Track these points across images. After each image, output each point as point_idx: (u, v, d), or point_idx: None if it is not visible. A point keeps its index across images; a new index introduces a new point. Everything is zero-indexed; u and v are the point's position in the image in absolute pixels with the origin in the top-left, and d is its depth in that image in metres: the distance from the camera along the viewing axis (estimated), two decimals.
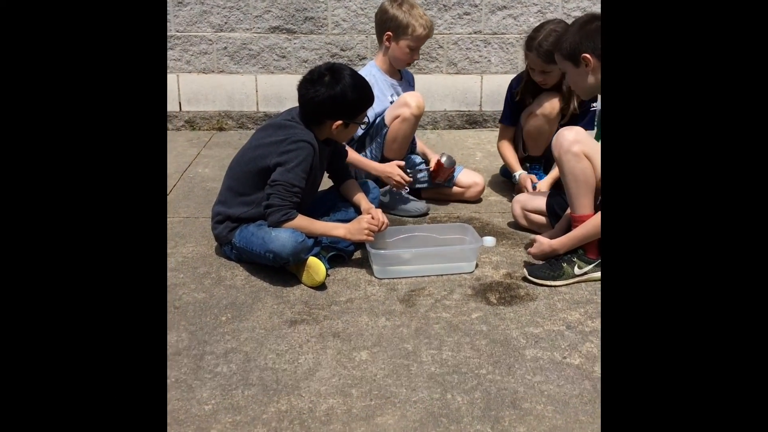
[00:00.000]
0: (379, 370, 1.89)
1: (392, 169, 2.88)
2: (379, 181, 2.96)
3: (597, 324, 2.12)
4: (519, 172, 3.11)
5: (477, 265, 2.51)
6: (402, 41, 2.93)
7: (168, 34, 4.27)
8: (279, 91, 4.38)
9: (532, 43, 2.87)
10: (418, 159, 3.13)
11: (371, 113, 2.75)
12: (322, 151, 2.46)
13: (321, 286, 2.34)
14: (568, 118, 3.03)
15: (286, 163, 2.33)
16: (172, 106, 4.38)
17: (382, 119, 2.92)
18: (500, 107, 3.32)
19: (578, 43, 2.26)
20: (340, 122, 2.41)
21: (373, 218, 2.43)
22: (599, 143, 2.45)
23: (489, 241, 2.70)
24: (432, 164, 3.03)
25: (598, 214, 2.30)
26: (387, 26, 2.95)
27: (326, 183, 2.71)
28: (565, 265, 2.36)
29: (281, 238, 2.29)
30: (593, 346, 2.00)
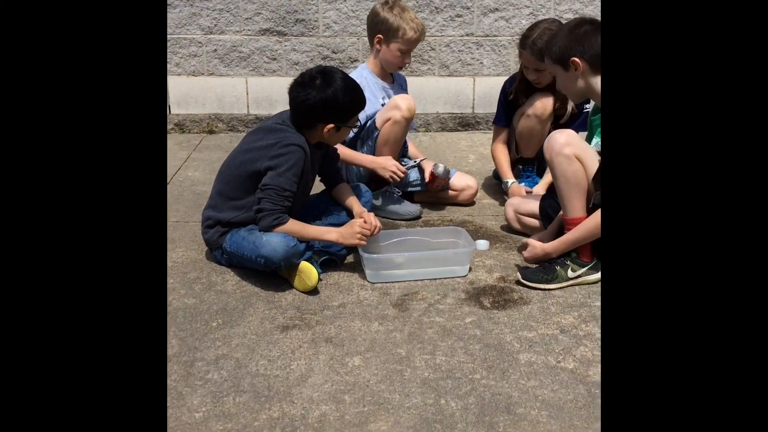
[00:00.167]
0: (372, 376, 1.87)
1: (386, 161, 2.86)
2: (372, 181, 2.95)
3: (591, 328, 2.11)
4: (510, 181, 3.10)
5: (470, 269, 2.49)
6: (393, 44, 2.92)
7: None
8: (270, 94, 4.36)
9: (526, 41, 2.87)
10: (410, 162, 3.11)
11: (362, 116, 2.73)
12: (313, 155, 2.44)
13: (313, 291, 2.32)
14: (567, 118, 3.02)
15: (277, 167, 2.31)
16: None
17: (373, 122, 2.91)
18: (493, 109, 3.32)
19: (567, 47, 2.26)
20: (331, 126, 2.39)
21: (365, 222, 2.41)
22: (591, 145, 2.45)
23: (482, 244, 2.69)
24: (426, 175, 3.02)
25: (591, 217, 2.30)
26: (378, 29, 2.94)
27: (318, 187, 2.69)
28: (558, 268, 2.35)
29: (272, 242, 2.27)
30: (587, 350, 1.99)
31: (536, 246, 2.40)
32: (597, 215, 2.27)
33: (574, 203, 2.33)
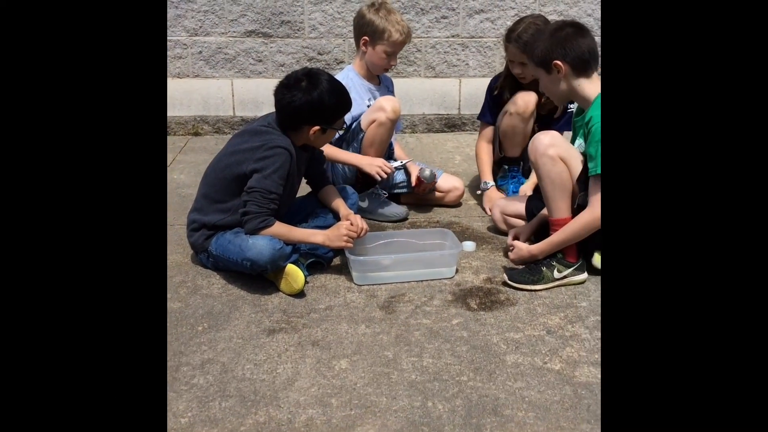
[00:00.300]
0: (359, 379, 1.86)
1: (373, 158, 2.86)
2: (358, 183, 2.94)
3: (577, 328, 2.12)
4: (490, 183, 3.11)
5: (457, 271, 2.49)
6: (378, 46, 2.92)
7: None
8: (256, 96, 4.34)
9: (511, 34, 2.88)
10: (396, 163, 3.11)
11: (348, 117, 2.73)
12: (299, 157, 2.43)
13: (300, 294, 2.31)
14: (561, 112, 3.02)
15: (262, 169, 2.30)
16: None
17: (359, 124, 2.90)
18: (479, 110, 3.32)
19: (549, 50, 2.27)
20: (317, 128, 2.38)
21: (352, 224, 2.41)
22: (574, 146, 2.47)
23: (469, 245, 2.69)
24: (413, 179, 3.02)
25: (576, 218, 2.30)
26: (364, 31, 2.93)
27: (304, 189, 2.68)
28: (544, 269, 2.36)
29: (259, 245, 2.25)
30: (573, 351, 1.99)
31: (522, 248, 2.41)
32: (581, 216, 2.28)
33: (559, 204, 2.34)
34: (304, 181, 2.65)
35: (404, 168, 3.07)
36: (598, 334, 2.08)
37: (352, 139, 2.93)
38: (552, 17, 4.22)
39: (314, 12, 4.22)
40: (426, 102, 4.45)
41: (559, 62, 2.26)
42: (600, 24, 4.37)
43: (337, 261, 2.58)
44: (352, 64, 3.10)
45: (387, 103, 2.84)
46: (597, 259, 2.41)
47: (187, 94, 4.31)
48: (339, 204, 2.57)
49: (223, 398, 1.78)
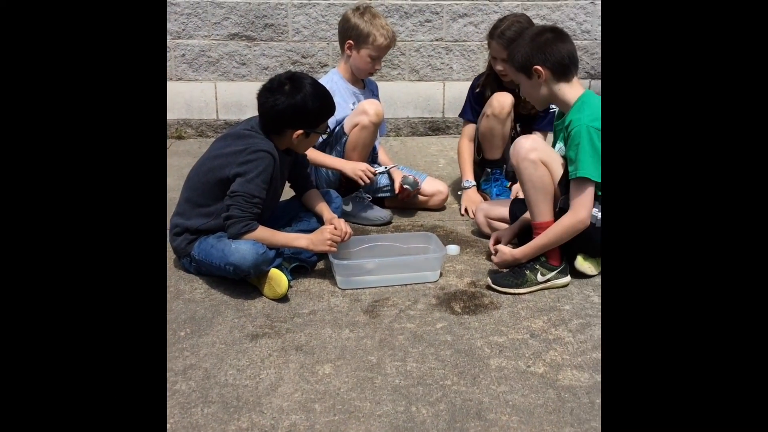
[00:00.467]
0: (342, 384, 1.85)
1: (356, 164, 2.86)
2: (342, 187, 2.94)
3: (560, 332, 2.12)
4: (471, 183, 3.12)
5: (441, 274, 2.49)
6: (363, 50, 2.92)
7: None
8: (239, 99, 4.32)
9: (495, 31, 2.91)
10: (380, 169, 3.11)
11: (332, 121, 2.72)
12: (282, 161, 2.42)
13: (283, 298, 2.30)
14: (527, 105, 3.03)
15: (245, 173, 2.29)
16: None
17: (342, 127, 2.90)
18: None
19: (530, 56, 2.29)
20: (300, 132, 2.37)
21: (335, 228, 2.40)
22: (555, 150, 2.48)
23: (453, 249, 2.69)
24: (396, 186, 3.02)
25: (558, 222, 2.32)
26: (348, 35, 2.93)
27: (288, 193, 2.67)
28: (528, 272, 2.36)
29: (242, 250, 2.24)
30: (557, 354, 2.00)
31: (505, 252, 2.42)
32: (563, 220, 2.30)
33: (542, 208, 2.35)
34: (287, 184, 2.64)
35: (387, 173, 3.07)
36: (582, 337, 2.09)
37: (335, 142, 2.92)
38: (535, 21, 4.24)
39: (298, 15, 4.22)
40: (410, 105, 4.45)
41: (539, 67, 2.27)
42: (582, 28, 4.40)
43: (320, 265, 2.57)
44: (336, 67, 3.09)
45: (370, 106, 2.84)
46: (580, 263, 2.42)
47: (170, 97, 4.29)
48: (323, 208, 2.57)
49: (206, 404, 1.77)
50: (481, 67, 4.32)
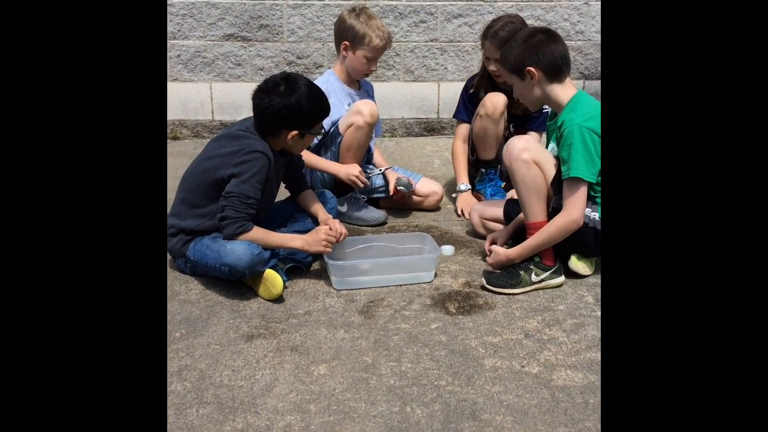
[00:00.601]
0: (337, 385, 1.86)
1: (350, 168, 2.86)
2: (337, 187, 2.94)
3: (554, 332, 2.13)
4: (465, 186, 3.12)
5: (436, 275, 2.50)
6: (359, 51, 2.92)
7: None
8: (235, 100, 4.32)
9: (488, 31, 2.92)
10: (375, 171, 3.12)
11: (327, 122, 2.73)
12: (277, 162, 2.43)
13: (278, 299, 2.30)
14: (521, 108, 3.04)
15: (240, 174, 2.29)
16: None
17: (337, 128, 2.90)
18: None
19: (522, 57, 2.30)
20: (295, 132, 2.38)
21: (330, 229, 2.40)
22: (548, 150, 2.49)
23: (448, 249, 2.70)
24: (391, 188, 3.03)
25: (551, 222, 2.32)
26: (344, 36, 2.94)
27: (283, 194, 2.68)
28: (522, 272, 2.37)
29: (237, 250, 2.24)
30: (551, 354, 2.01)
31: (500, 252, 2.43)
32: (557, 220, 2.31)
33: (535, 208, 2.36)
34: (282, 185, 2.64)
35: (383, 174, 3.08)
36: (576, 337, 2.10)
37: (330, 142, 2.93)
38: (529, 22, 4.25)
39: (293, 16, 4.22)
40: (405, 106, 4.46)
41: (532, 68, 2.28)
42: (576, 29, 4.41)
43: (316, 266, 2.58)
44: (332, 68, 3.10)
45: (365, 106, 2.85)
46: (574, 263, 2.43)
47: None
48: (318, 208, 2.57)
49: (201, 405, 1.77)
50: (476, 67, 4.33)
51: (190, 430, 1.67)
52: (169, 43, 4.20)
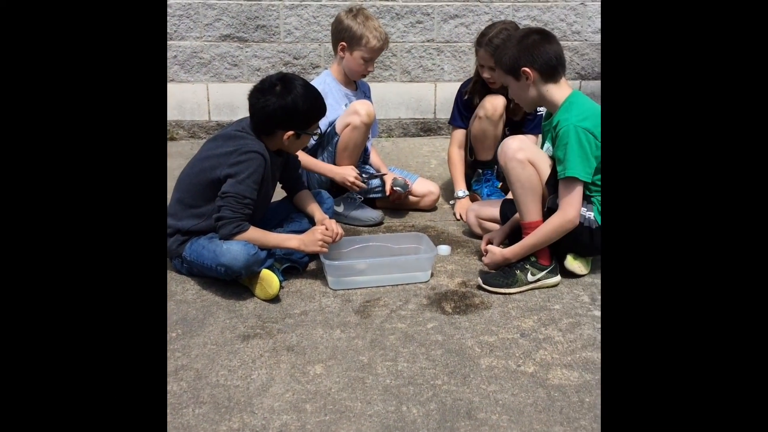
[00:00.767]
0: (333, 384, 1.86)
1: (347, 171, 2.87)
2: (333, 188, 2.95)
3: (550, 331, 2.14)
4: (462, 192, 3.12)
5: (432, 275, 2.50)
6: (356, 52, 2.93)
7: None
8: (231, 100, 4.32)
9: (482, 39, 2.91)
10: (372, 170, 3.12)
11: (323, 122, 2.73)
12: (273, 162, 2.43)
13: (275, 299, 2.31)
14: (521, 116, 3.04)
15: (236, 174, 2.29)
16: None
17: (333, 128, 2.91)
18: None
19: (517, 58, 2.30)
20: (291, 132, 2.38)
21: (327, 229, 2.40)
22: (543, 150, 2.50)
23: (444, 249, 2.70)
24: (387, 189, 3.03)
25: (547, 222, 2.33)
26: (341, 36, 2.94)
27: (279, 194, 2.68)
28: (518, 272, 2.38)
29: (233, 250, 2.25)
30: (546, 354, 2.01)
31: (496, 252, 2.44)
32: (553, 220, 2.31)
33: (530, 207, 2.36)
34: (279, 186, 2.64)
35: (380, 177, 3.08)
36: (571, 336, 2.11)
37: (326, 142, 2.93)
38: (525, 22, 4.27)
39: (290, 16, 4.22)
40: (402, 106, 4.47)
41: (527, 69, 2.29)
42: (572, 29, 4.42)
43: (312, 266, 2.58)
44: (329, 69, 3.10)
45: (361, 106, 2.85)
46: (570, 262, 2.44)
47: None
48: (314, 209, 2.57)
49: (197, 405, 1.77)
50: (472, 68, 4.33)
51: (187, 430, 1.68)
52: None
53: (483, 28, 3.08)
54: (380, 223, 2.99)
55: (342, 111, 2.96)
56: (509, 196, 2.99)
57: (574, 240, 2.34)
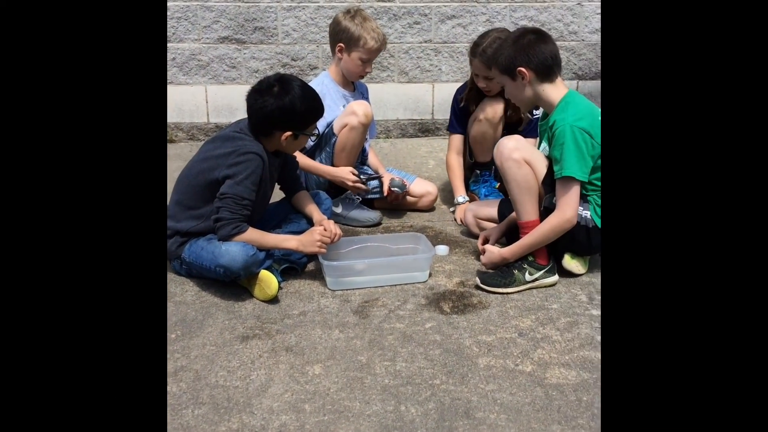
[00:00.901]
0: (332, 384, 1.87)
1: (345, 174, 2.88)
2: (332, 188, 2.95)
3: (548, 330, 2.14)
4: (462, 198, 3.11)
5: (430, 275, 2.51)
6: (354, 53, 2.93)
7: None
8: (230, 102, 4.33)
9: (476, 49, 2.91)
10: (370, 170, 3.13)
11: (322, 123, 2.74)
12: (271, 163, 2.44)
13: (273, 300, 2.31)
14: (525, 125, 3.06)
15: (235, 175, 2.30)
16: None
17: (331, 129, 2.92)
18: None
19: (513, 58, 2.31)
20: (289, 133, 2.39)
21: (325, 230, 2.41)
22: (539, 150, 2.51)
23: (442, 249, 2.71)
24: (385, 189, 3.04)
25: (545, 221, 2.34)
26: (339, 38, 2.95)
27: (278, 195, 2.69)
28: (516, 272, 2.38)
29: (232, 251, 2.25)
30: (545, 353, 2.02)
31: (493, 251, 2.44)
32: (550, 219, 2.32)
33: (527, 207, 2.37)
34: (277, 187, 2.65)
35: (378, 178, 3.09)
36: (569, 335, 2.11)
37: (324, 143, 2.94)
38: (522, 22, 4.28)
39: (287, 18, 4.23)
40: (400, 107, 4.47)
41: (523, 69, 2.30)
42: (569, 29, 4.43)
43: (310, 266, 2.58)
44: (327, 70, 3.11)
45: (359, 107, 2.86)
46: (567, 261, 2.44)
47: None
48: (312, 209, 2.58)
49: (196, 406, 1.78)
50: (469, 69, 4.34)
51: (186, 431, 1.68)
52: None
53: (482, 28, 3.08)
54: (378, 224, 3.00)
55: (340, 112, 2.97)
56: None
57: (571, 239, 2.35)
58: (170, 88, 4.28)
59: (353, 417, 1.74)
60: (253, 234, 2.33)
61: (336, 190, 2.97)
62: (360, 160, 3.08)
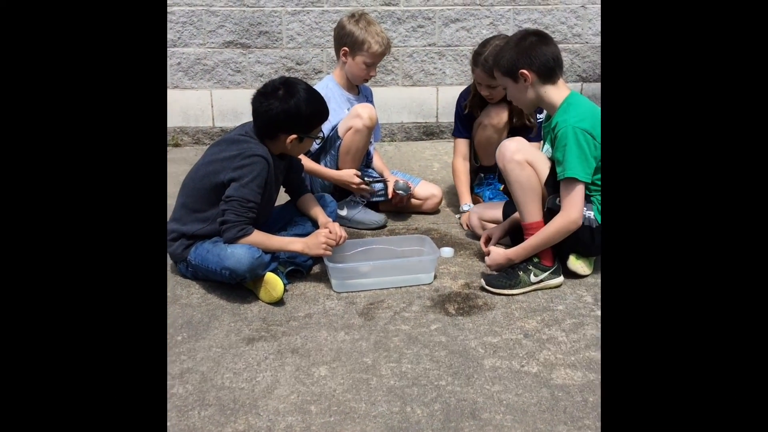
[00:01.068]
0: (338, 386, 1.87)
1: (350, 177, 2.89)
2: (336, 191, 2.96)
3: (553, 331, 2.14)
4: (467, 206, 3.10)
5: (435, 276, 2.51)
6: (358, 57, 2.94)
7: None
8: (235, 106, 4.35)
9: (478, 58, 2.91)
10: (374, 173, 3.13)
11: (326, 126, 2.75)
12: (276, 166, 2.45)
13: (279, 302, 2.32)
14: (534, 133, 3.06)
15: (240, 178, 2.31)
16: None
17: (336, 132, 2.93)
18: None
19: (515, 60, 2.31)
20: (294, 136, 2.40)
21: (330, 232, 2.42)
22: (542, 152, 2.51)
23: (447, 251, 2.71)
24: (389, 192, 3.04)
25: (550, 223, 2.34)
26: (344, 42, 2.96)
27: (283, 198, 2.69)
28: (521, 273, 2.38)
29: (237, 254, 2.26)
30: (550, 354, 2.02)
31: (498, 253, 2.44)
32: (555, 221, 2.32)
33: (530, 208, 2.37)
34: (282, 190, 2.66)
35: (382, 181, 3.10)
36: (575, 336, 2.11)
37: (329, 146, 2.95)
38: (526, 25, 4.29)
39: (292, 22, 4.25)
40: (404, 110, 4.48)
41: (525, 71, 2.30)
42: (573, 32, 4.44)
43: (316, 269, 2.59)
44: (332, 73, 3.12)
45: (363, 110, 2.87)
46: (572, 262, 2.45)
47: (166, 106, 4.31)
48: (317, 212, 2.59)
49: (203, 407, 1.78)
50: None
51: None
52: (170, 50, 4.23)
53: (484, 38, 3.07)
54: (383, 226, 3.01)
55: (344, 115, 2.98)
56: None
57: (576, 240, 2.35)
58: (175, 93, 4.30)
59: (359, 418, 1.74)
60: (258, 236, 2.34)
61: (341, 193, 2.98)
62: (365, 163, 3.09)
